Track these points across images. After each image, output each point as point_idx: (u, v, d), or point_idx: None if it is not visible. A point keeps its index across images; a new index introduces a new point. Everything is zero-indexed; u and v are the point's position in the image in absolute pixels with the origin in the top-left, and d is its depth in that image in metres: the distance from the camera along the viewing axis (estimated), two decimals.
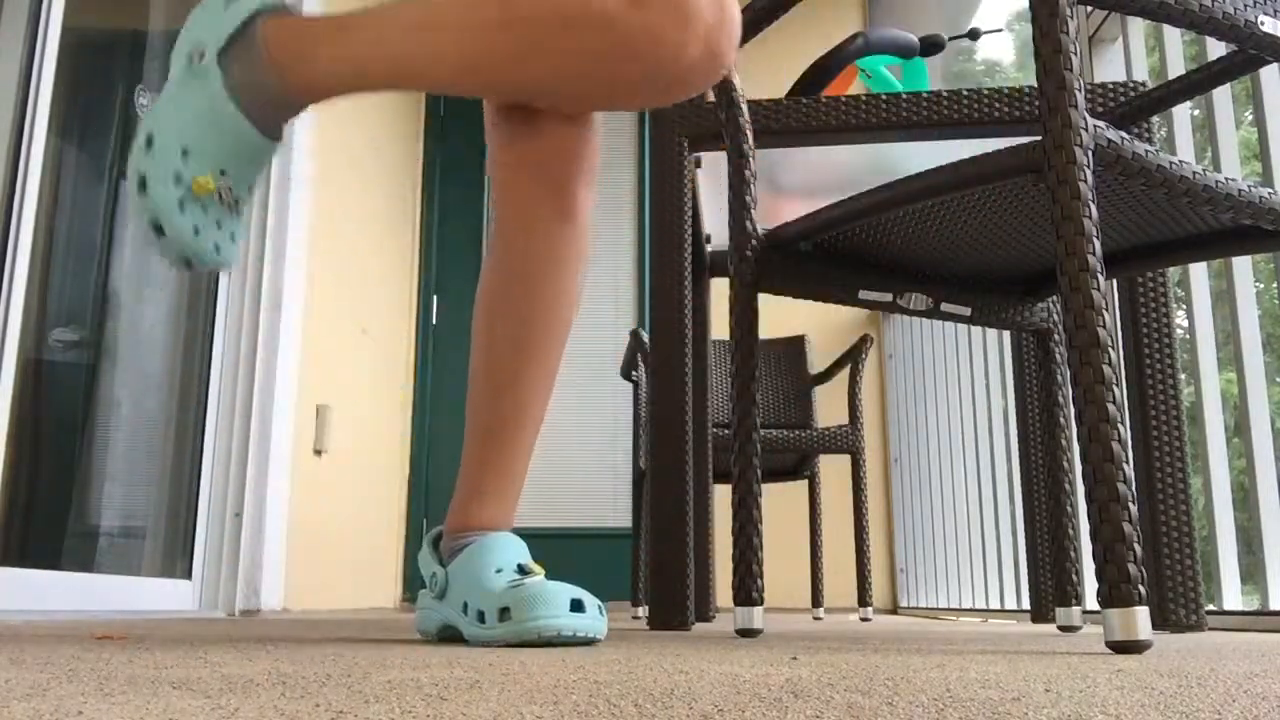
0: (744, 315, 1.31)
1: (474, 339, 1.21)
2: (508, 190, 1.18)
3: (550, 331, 1.19)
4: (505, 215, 1.18)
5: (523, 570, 1.08)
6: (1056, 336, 1.52)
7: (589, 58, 0.97)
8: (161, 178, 0.93)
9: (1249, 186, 1.12)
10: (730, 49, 0.98)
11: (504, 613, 1.01)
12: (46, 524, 2.18)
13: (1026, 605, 2.66)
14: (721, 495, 3.80)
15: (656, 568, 1.68)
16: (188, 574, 2.60)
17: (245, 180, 1.00)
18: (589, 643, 1.04)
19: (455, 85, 1.05)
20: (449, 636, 1.16)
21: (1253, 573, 1.82)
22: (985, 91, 1.80)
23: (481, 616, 1.04)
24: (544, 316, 1.18)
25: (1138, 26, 2.12)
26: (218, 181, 0.97)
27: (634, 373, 3.07)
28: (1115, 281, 1.74)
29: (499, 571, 1.07)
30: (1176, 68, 1.96)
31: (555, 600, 1.01)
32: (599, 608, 1.06)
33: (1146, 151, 1.02)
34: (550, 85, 1.04)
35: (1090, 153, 0.96)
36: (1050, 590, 2.11)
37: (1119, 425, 0.90)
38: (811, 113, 1.82)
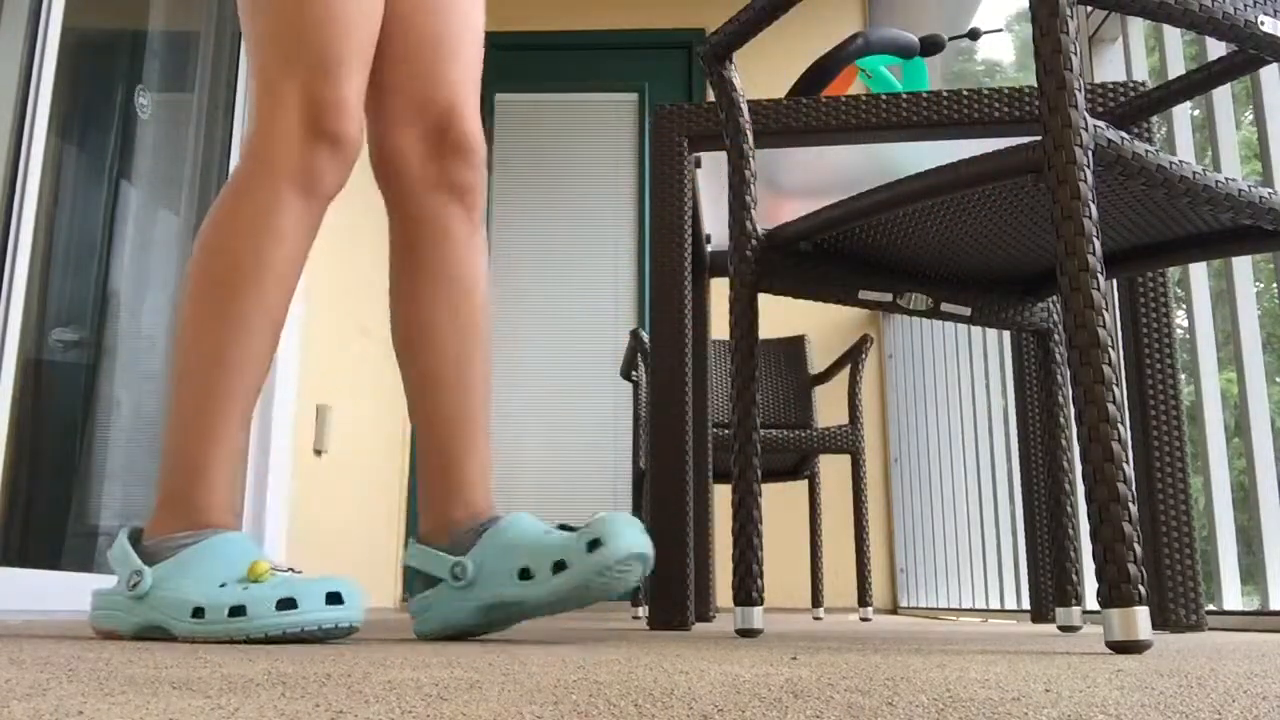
0: (744, 315, 1.31)
1: (405, 362, 1.33)
2: None
3: (477, 339, 1.30)
4: None
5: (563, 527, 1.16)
6: (1056, 336, 1.52)
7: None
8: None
9: (1249, 186, 1.12)
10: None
11: (559, 566, 1.09)
12: (46, 524, 2.18)
13: (1026, 605, 2.66)
14: (721, 495, 3.80)
15: (656, 568, 1.68)
16: None
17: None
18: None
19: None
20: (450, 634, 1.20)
21: (1253, 573, 1.82)
22: (985, 91, 1.80)
23: (524, 575, 1.12)
24: (470, 324, 1.31)
25: (1138, 26, 2.12)
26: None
27: (634, 373, 3.08)
28: (1115, 281, 1.74)
29: (547, 532, 1.15)
30: (1176, 68, 1.96)
31: (624, 531, 1.08)
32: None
33: (1146, 151, 1.02)
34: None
35: (1090, 153, 0.96)
36: (1050, 590, 2.11)
37: (1119, 425, 0.90)
38: (811, 113, 1.82)
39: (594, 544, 1.06)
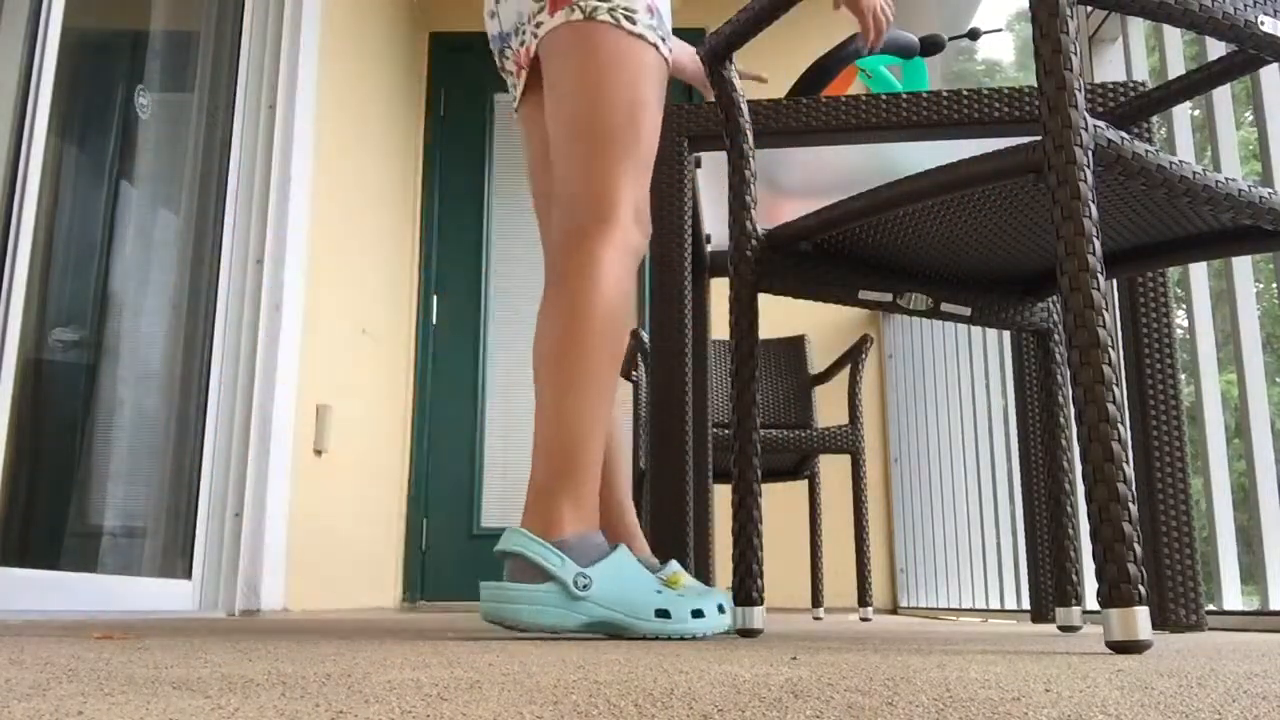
0: (744, 315, 1.31)
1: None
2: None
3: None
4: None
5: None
6: (1056, 336, 1.52)
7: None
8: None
9: (1249, 186, 1.12)
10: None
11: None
12: (46, 524, 2.18)
13: (1026, 605, 2.66)
14: (721, 495, 3.80)
15: None
16: (188, 574, 2.60)
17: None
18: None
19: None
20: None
21: (1253, 573, 1.82)
22: (985, 91, 1.80)
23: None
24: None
25: (1138, 26, 2.12)
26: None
27: (634, 373, 3.07)
28: (1115, 281, 1.74)
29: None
30: (1176, 68, 1.96)
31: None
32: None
33: (1146, 151, 1.02)
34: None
35: (1090, 153, 0.96)
36: (1050, 590, 2.11)
37: (1119, 425, 0.90)
38: (811, 113, 1.82)
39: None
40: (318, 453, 3.22)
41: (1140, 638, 0.86)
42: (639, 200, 1.41)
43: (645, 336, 2.98)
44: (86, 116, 2.30)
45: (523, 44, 1.50)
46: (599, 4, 1.40)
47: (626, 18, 1.41)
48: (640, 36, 1.42)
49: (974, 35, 2.14)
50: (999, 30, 2.38)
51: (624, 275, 1.37)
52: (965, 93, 1.79)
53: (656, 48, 1.44)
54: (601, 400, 1.32)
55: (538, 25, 1.44)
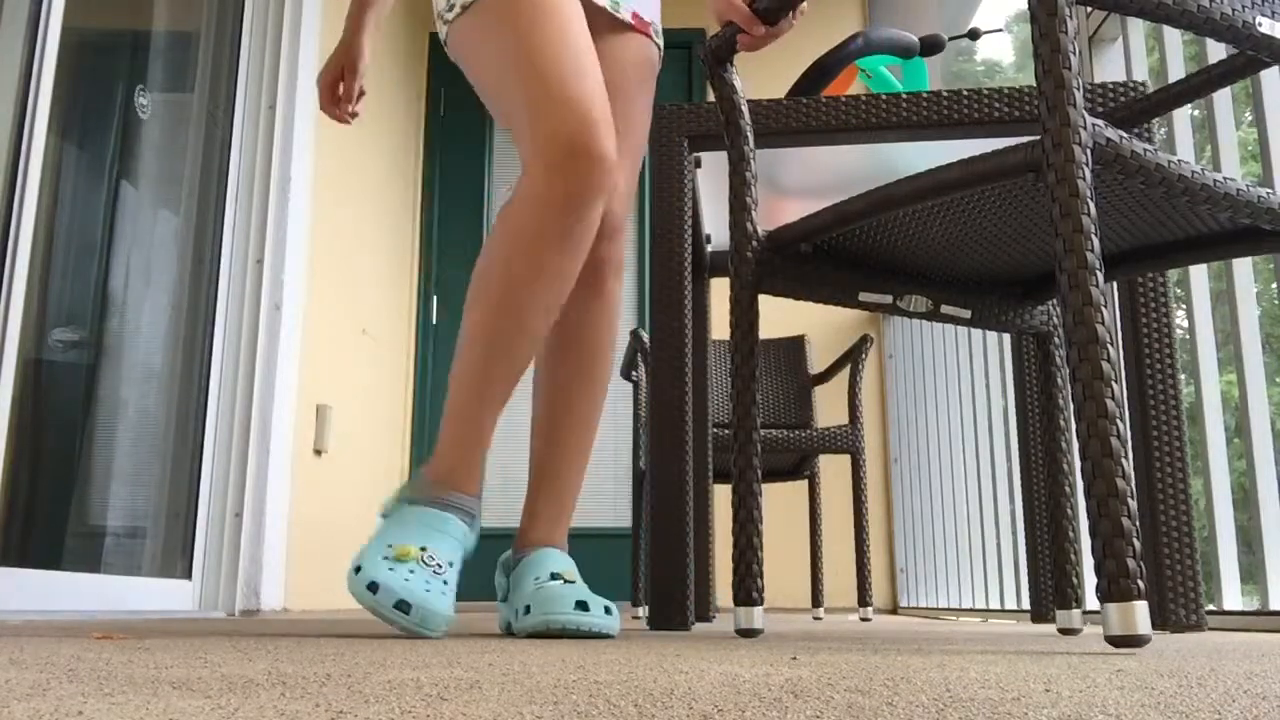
0: (744, 315, 1.31)
1: (532, 394, 1.54)
2: None
3: (585, 391, 1.51)
4: None
5: (554, 576, 1.37)
6: (1056, 339, 1.52)
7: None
8: (372, 558, 1.22)
9: (1248, 186, 1.12)
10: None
11: (527, 610, 1.29)
12: (46, 524, 2.18)
13: (1026, 605, 2.66)
14: (721, 495, 3.80)
15: (656, 568, 1.68)
16: (188, 574, 2.60)
17: (446, 552, 1.27)
18: (599, 636, 1.27)
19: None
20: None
21: (1253, 573, 1.82)
22: (985, 91, 1.80)
23: (516, 614, 1.33)
24: (580, 378, 1.51)
25: (1138, 26, 2.12)
26: (417, 551, 1.23)
27: (634, 373, 3.08)
28: (1115, 282, 1.74)
29: (536, 579, 1.36)
30: (1176, 68, 1.96)
31: (562, 600, 1.28)
32: (605, 607, 1.30)
33: (1145, 150, 1.02)
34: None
35: (1089, 151, 0.96)
36: (1050, 591, 2.11)
37: (1117, 421, 0.90)
38: (811, 113, 1.82)
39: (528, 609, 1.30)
40: (318, 453, 3.22)
41: (1139, 632, 0.86)
42: (556, 125, 1.29)
43: (645, 336, 2.98)
44: (86, 116, 2.30)
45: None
46: (441, 10, 1.46)
47: (449, 8, 1.44)
48: (465, 9, 1.40)
49: (974, 35, 2.14)
50: (999, 30, 2.38)
51: (522, 228, 1.30)
52: (965, 93, 1.80)
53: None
54: (466, 371, 1.32)
55: (445, 42, 1.50)
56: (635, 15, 1.54)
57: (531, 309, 1.31)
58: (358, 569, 1.21)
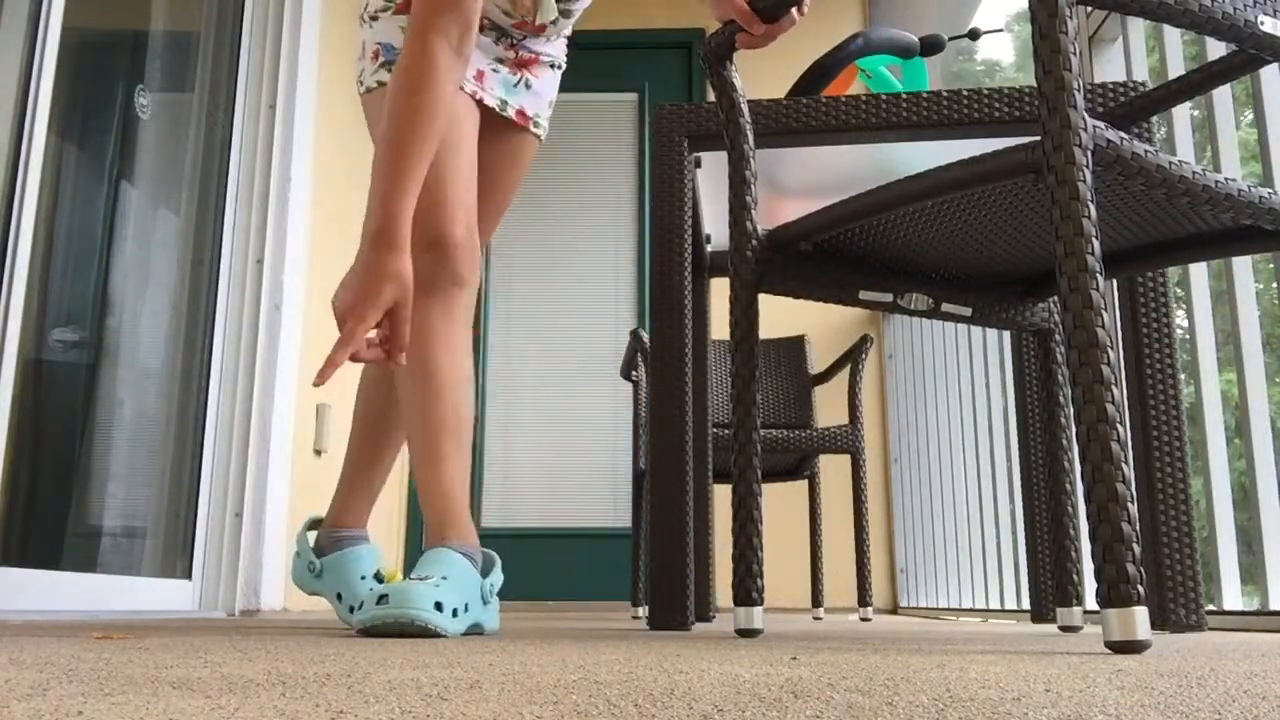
0: (744, 315, 1.31)
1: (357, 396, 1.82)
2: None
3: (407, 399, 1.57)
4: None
5: (379, 578, 1.62)
6: (1057, 337, 1.52)
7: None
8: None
9: (1249, 186, 1.12)
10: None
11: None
12: (46, 524, 2.18)
13: (1026, 605, 2.66)
14: (721, 495, 3.80)
15: (656, 568, 1.68)
16: (188, 574, 2.60)
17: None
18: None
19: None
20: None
21: (1253, 573, 1.82)
22: (985, 91, 1.80)
23: (351, 609, 1.57)
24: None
25: (1138, 26, 2.12)
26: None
27: (634, 373, 3.07)
28: (1115, 281, 1.74)
29: (363, 578, 1.61)
30: (1176, 68, 1.96)
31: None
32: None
33: (1146, 151, 1.02)
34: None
35: (1089, 153, 0.96)
36: (1050, 590, 2.11)
37: (1118, 425, 0.90)
38: (811, 113, 1.82)
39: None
40: (318, 453, 3.22)
41: (1139, 638, 0.86)
42: (417, 227, 1.48)
43: (645, 336, 2.98)
44: (86, 116, 2.30)
45: None
46: (360, 80, 1.65)
47: (360, 83, 1.64)
48: (369, 90, 1.63)
49: (974, 35, 2.14)
50: (999, 30, 2.38)
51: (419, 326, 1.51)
52: (965, 93, 1.79)
53: (384, 84, 1.60)
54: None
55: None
56: (519, 112, 1.74)
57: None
58: (350, 609, 1.48)
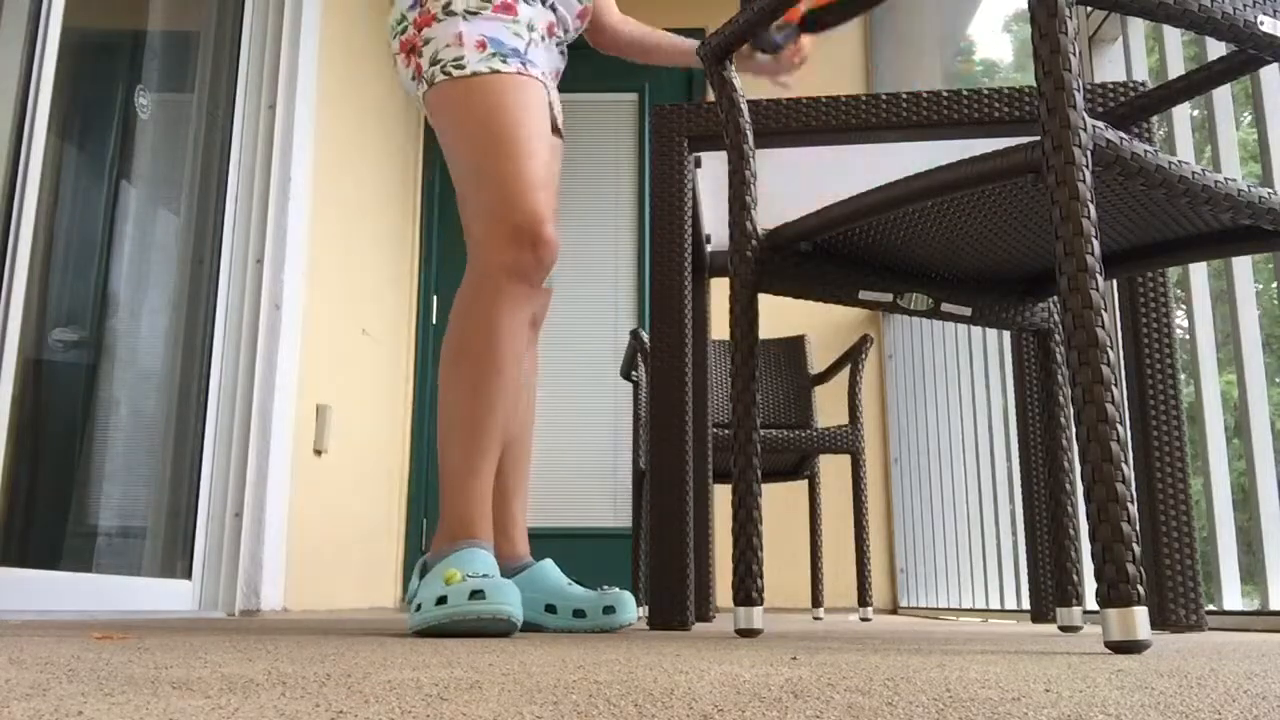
0: (744, 315, 1.31)
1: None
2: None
3: (529, 419, 1.78)
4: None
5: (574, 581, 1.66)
6: (1057, 337, 1.52)
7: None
8: (427, 595, 1.38)
9: (1248, 186, 1.12)
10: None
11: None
12: (46, 524, 2.18)
13: (1026, 605, 2.66)
14: (721, 495, 3.80)
15: (656, 568, 1.68)
16: (188, 574, 2.60)
17: (484, 568, 1.43)
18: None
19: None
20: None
21: (1253, 573, 1.82)
22: (985, 91, 1.80)
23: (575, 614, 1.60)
24: (528, 409, 1.78)
25: (1138, 26, 2.12)
26: (461, 574, 1.39)
27: (634, 373, 3.08)
28: (1115, 281, 1.74)
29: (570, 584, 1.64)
30: (1176, 68, 1.96)
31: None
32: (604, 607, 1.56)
33: (1146, 151, 1.02)
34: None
35: (1089, 153, 0.96)
36: (1050, 590, 2.11)
37: (1118, 425, 0.90)
38: (811, 113, 1.82)
39: (609, 609, 1.57)
40: (318, 453, 3.22)
41: (1139, 638, 0.86)
42: (522, 218, 1.52)
43: (645, 336, 2.98)
44: (86, 116, 2.30)
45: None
46: (433, 68, 1.60)
47: (456, 67, 1.58)
48: (475, 74, 1.57)
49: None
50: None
51: (495, 313, 1.52)
52: (965, 93, 1.79)
53: (498, 71, 1.58)
54: (462, 428, 1.50)
55: (420, 96, 1.65)
56: (555, 120, 1.76)
57: (507, 360, 1.52)
58: (418, 607, 1.33)
